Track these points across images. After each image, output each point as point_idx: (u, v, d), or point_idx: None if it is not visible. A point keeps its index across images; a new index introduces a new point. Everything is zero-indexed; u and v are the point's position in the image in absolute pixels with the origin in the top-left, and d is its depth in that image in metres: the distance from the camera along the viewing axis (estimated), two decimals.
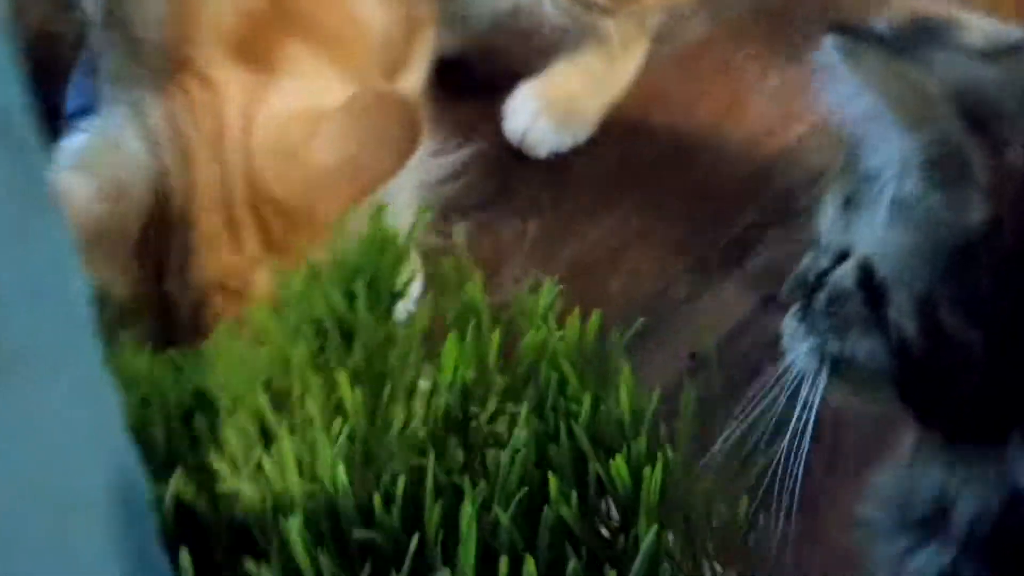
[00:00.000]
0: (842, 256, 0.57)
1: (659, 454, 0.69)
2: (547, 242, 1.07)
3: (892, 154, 0.53)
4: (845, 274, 0.56)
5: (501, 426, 0.72)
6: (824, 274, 0.58)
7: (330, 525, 0.67)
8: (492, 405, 0.73)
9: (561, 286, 0.74)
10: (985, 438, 0.54)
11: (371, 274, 0.75)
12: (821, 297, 0.58)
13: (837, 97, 0.54)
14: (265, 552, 0.66)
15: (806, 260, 0.61)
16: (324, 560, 0.64)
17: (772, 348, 0.99)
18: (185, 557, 0.63)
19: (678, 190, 1.08)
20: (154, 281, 0.83)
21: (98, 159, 0.85)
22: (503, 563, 0.64)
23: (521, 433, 0.69)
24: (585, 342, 0.75)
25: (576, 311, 0.74)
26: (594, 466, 0.69)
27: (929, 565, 0.56)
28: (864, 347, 0.56)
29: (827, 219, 0.59)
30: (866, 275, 0.55)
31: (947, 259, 0.51)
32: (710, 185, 1.07)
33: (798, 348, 0.61)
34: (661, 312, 0.98)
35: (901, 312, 0.53)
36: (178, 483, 0.67)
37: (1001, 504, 0.53)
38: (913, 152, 0.52)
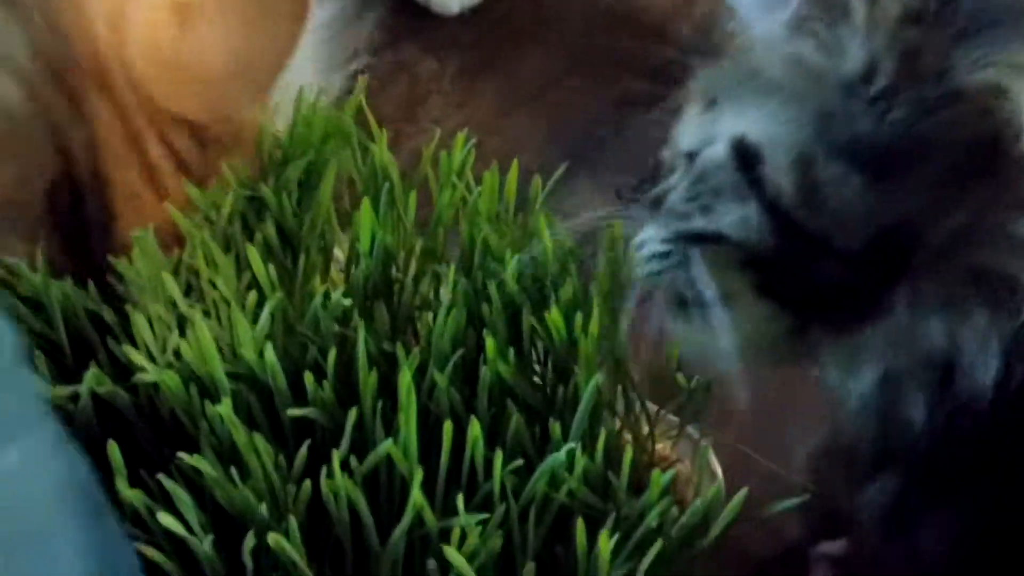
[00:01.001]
0: (705, 143, 0.58)
1: (592, 301, 0.68)
2: (468, 80, 1.03)
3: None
4: (714, 151, 0.57)
5: (426, 288, 0.70)
6: (689, 158, 0.59)
7: (261, 406, 0.64)
8: (414, 268, 0.70)
9: (474, 139, 0.71)
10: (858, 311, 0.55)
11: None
12: (683, 182, 0.59)
13: None
14: (195, 440, 0.63)
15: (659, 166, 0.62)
16: (259, 442, 0.61)
17: None
18: (114, 449, 0.59)
19: (601, 25, 1.06)
20: (75, 251, 0.72)
21: None
22: (447, 427, 0.62)
23: (448, 294, 0.67)
24: (507, 196, 0.73)
25: (495, 165, 0.71)
26: (528, 319, 0.67)
27: None
28: (734, 215, 0.56)
29: (686, 131, 0.60)
30: (738, 145, 0.55)
31: (822, 110, 0.53)
32: (633, 19, 1.05)
33: (651, 236, 0.62)
34: (588, 149, 0.97)
35: (777, 170, 0.54)
36: (92, 379, 0.63)
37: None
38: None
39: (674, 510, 0.63)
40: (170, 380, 0.63)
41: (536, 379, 0.69)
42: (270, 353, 0.63)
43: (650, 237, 0.62)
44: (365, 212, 0.69)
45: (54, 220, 0.71)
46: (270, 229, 0.69)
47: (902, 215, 0.52)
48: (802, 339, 0.59)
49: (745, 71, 0.58)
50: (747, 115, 0.56)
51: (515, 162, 0.73)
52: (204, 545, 0.59)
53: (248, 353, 0.64)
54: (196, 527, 0.60)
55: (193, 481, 0.62)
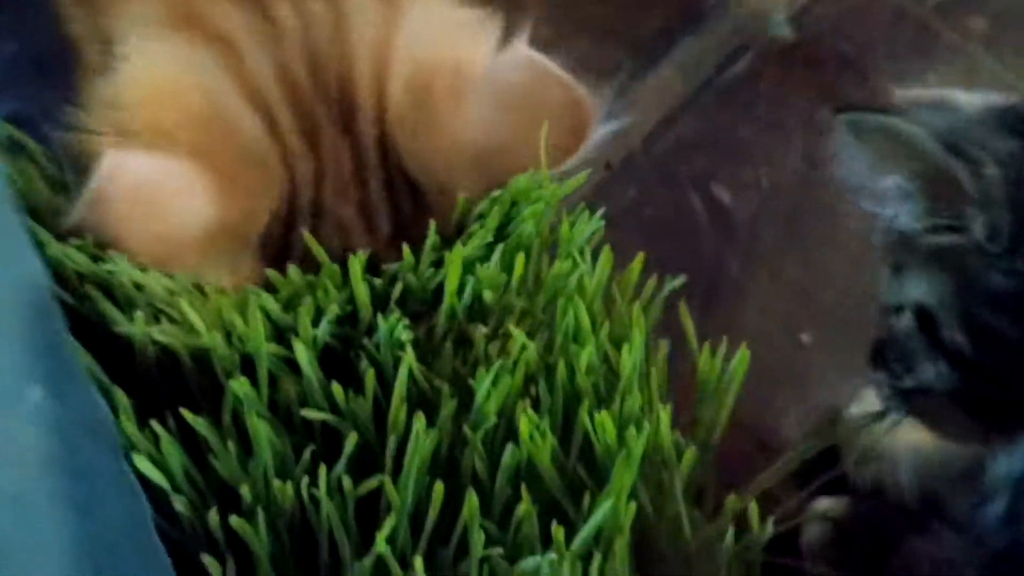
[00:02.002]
0: (899, 309, 0.67)
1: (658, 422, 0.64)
2: None
3: (910, 209, 0.65)
4: (905, 321, 0.67)
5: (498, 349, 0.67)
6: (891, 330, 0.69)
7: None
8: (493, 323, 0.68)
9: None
10: None
11: None
12: (892, 346, 0.69)
13: (852, 172, 0.66)
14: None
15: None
16: (262, 427, 0.61)
17: (687, 152, 1.05)
18: (121, 396, 0.61)
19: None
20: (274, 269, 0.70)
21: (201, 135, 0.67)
22: (437, 489, 0.60)
23: (514, 357, 0.65)
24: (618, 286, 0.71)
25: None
26: (584, 414, 0.64)
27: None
28: (931, 372, 0.66)
29: (887, 289, 0.69)
30: (920, 313, 0.65)
31: (970, 273, 0.63)
32: None
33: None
34: None
35: (952, 331, 0.64)
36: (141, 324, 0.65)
37: None
38: (914, 187, 0.64)
39: None
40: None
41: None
42: (301, 348, 0.62)
43: (870, 399, 0.75)
44: (455, 257, 0.67)
45: (260, 246, 0.70)
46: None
47: None
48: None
49: (905, 241, 0.66)
50: (921, 285, 0.65)
51: (639, 257, 0.71)
52: (177, 503, 0.60)
53: (298, 346, 0.64)
54: (181, 483, 0.61)
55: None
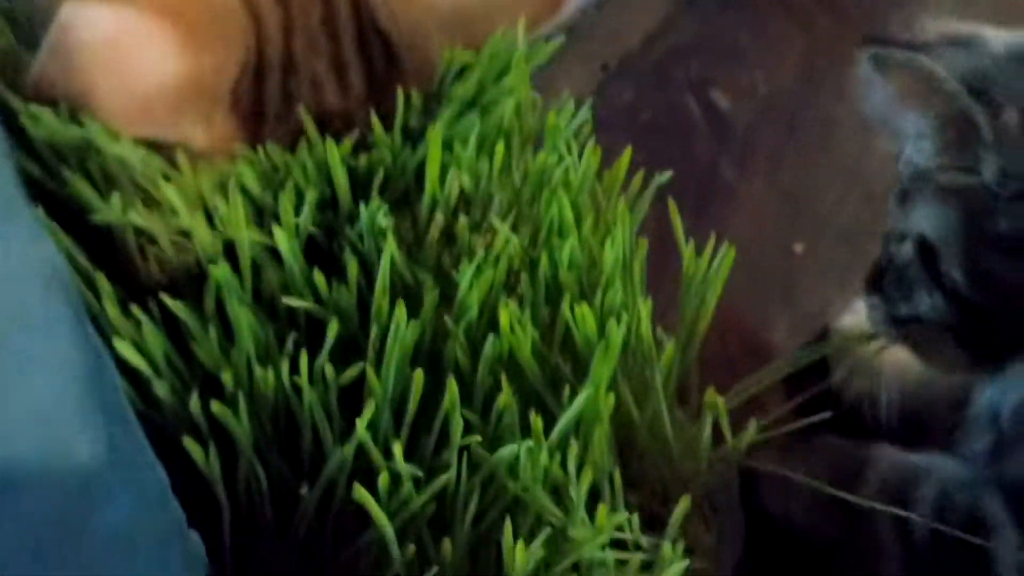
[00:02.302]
0: (902, 238, 0.70)
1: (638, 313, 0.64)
2: None
3: (924, 146, 0.66)
4: (906, 250, 0.69)
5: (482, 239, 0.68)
6: (891, 257, 0.71)
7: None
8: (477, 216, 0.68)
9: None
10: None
11: None
12: (891, 273, 0.71)
13: (875, 106, 0.68)
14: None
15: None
16: (244, 314, 0.61)
17: (683, 55, 1.05)
18: (103, 281, 0.61)
19: None
20: (248, 133, 0.70)
21: None
22: (417, 376, 0.60)
23: (497, 250, 0.65)
24: (605, 183, 0.70)
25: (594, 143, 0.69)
26: (565, 307, 0.64)
27: None
28: (926, 303, 0.68)
29: (891, 215, 0.71)
30: (921, 246, 0.67)
31: (976, 214, 0.64)
32: None
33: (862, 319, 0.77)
34: (575, 23, 0.94)
35: (952, 267, 0.66)
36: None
37: None
38: (931, 126, 0.65)
39: None
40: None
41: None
42: (282, 236, 0.62)
43: (861, 312, 0.77)
44: (434, 140, 0.67)
45: (233, 101, 0.69)
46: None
47: None
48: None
49: (919, 175, 0.68)
50: (927, 218, 0.67)
51: (627, 153, 0.70)
52: (159, 388, 0.60)
53: (279, 234, 0.64)
54: (163, 368, 0.61)
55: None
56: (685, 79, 1.06)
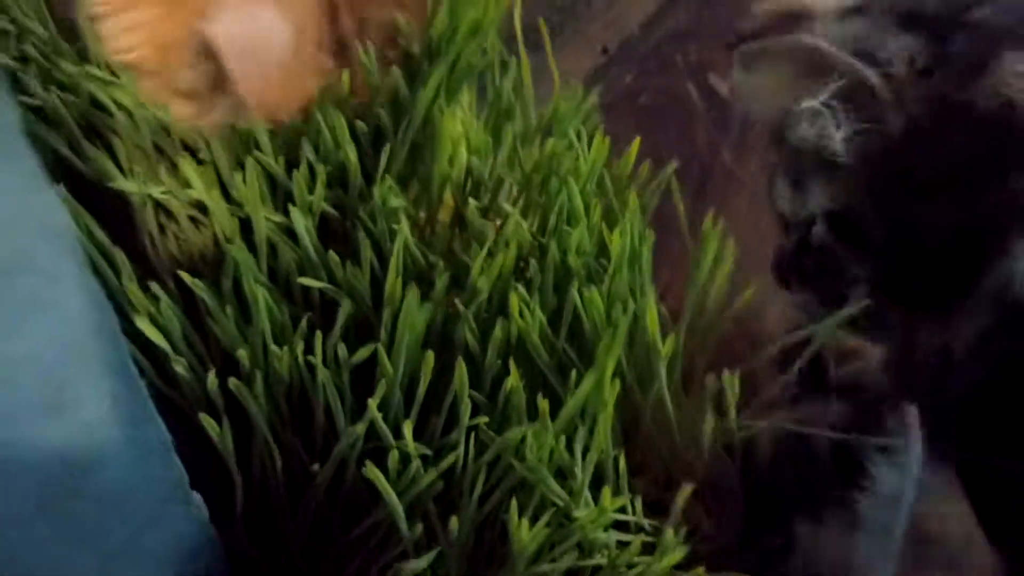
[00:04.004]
0: (809, 222, 0.69)
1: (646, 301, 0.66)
2: None
3: (819, 120, 0.66)
4: (818, 231, 0.69)
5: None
6: (804, 243, 0.70)
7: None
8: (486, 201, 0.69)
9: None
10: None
11: None
12: (810, 261, 0.71)
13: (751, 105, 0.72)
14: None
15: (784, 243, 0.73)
16: (261, 293, 0.63)
17: (684, 40, 1.07)
18: (122, 257, 0.62)
19: None
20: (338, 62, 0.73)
21: None
22: (427, 357, 0.61)
23: (506, 237, 0.66)
24: (614, 171, 0.72)
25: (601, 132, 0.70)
26: (573, 293, 0.65)
27: None
28: (859, 272, 0.68)
29: (786, 202, 0.72)
30: (833, 221, 0.68)
31: (884, 170, 0.65)
32: None
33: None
34: (576, 5, 0.97)
35: (873, 227, 0.66)
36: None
37: None
38: (825, 102, 0.65)
39: None
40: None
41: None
42: (298, 216, 0.64)
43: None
44: (447, 130, 0.68)
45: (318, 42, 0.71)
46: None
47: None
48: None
49: (810, 154, 0.68)
50: (827, 193, 0.67)
51: (635, 144, 0.71)
52: (177, 365, 0.62)
53: (295, 214, 0.65)
54: (180, 345, 0.62)
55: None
56: (685, 63, 1.07)
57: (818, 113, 0.66)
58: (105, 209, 0.66)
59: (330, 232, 0.69)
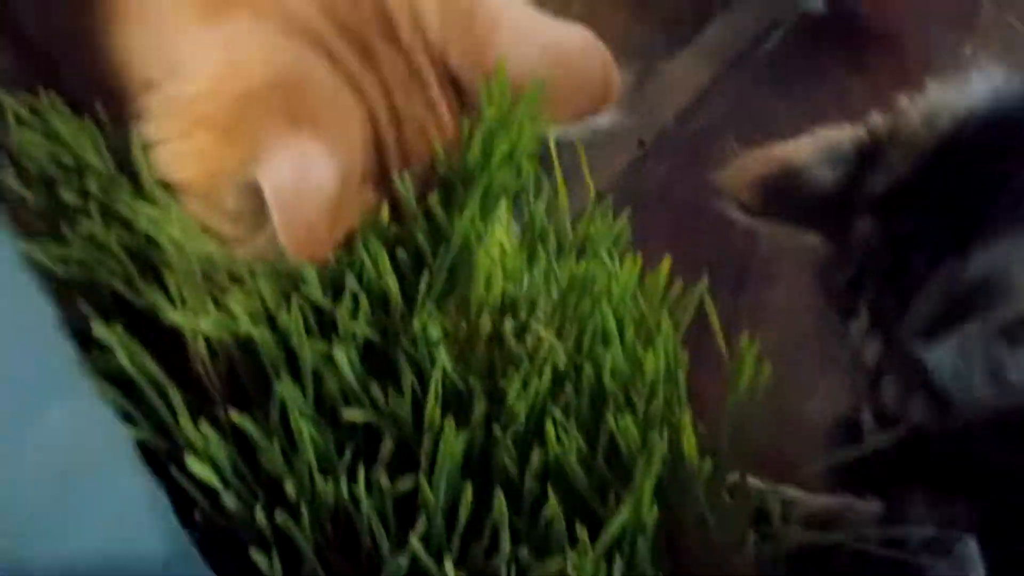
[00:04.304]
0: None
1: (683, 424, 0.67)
2: None
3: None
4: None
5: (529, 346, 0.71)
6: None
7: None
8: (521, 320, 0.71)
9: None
10: None
11: None
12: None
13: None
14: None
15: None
16: (307, 427, 0.65)
17: (718, 130, 1.11)
18: (176, 395, 0.65)
19: None
20: (381, 193, 0.76)
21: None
22: (466, 491, 0.63)
23: (542, 359, 0.68)
24: (646, 291, 0.73)
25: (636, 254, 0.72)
26: (610, 418, 0.67)
27: None
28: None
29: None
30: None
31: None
32: None
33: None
34: None
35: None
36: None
37: None
38: None
39: None
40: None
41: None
42: (341, 351, 0.66)
43: None
44: (483, 255, 0.70)
45: (363, 174, 0.75)
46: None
47: None
48: None
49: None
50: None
51: (666, 261, 0.73)
52: (227, 499, 0.64)
53: (338, 348, 0.67)
54: (230, 478, 0.65)
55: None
56: (719, 153, 1.09)
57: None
58: (160, 341, 0.69)
59: (375, 352, 0.71)
